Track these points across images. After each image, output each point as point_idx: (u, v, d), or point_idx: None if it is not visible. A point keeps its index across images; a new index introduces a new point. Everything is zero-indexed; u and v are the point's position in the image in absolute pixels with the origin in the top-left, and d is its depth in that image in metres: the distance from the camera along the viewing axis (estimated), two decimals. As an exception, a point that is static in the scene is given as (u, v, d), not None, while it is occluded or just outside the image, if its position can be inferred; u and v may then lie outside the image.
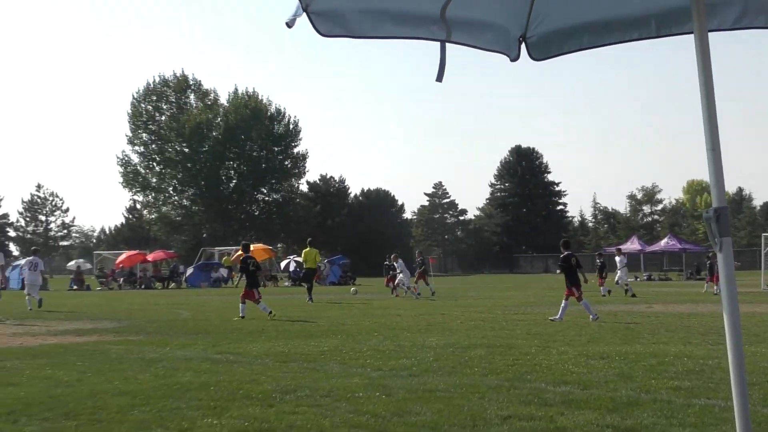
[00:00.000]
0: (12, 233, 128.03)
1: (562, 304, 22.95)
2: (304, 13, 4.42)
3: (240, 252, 43.52)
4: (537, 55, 5.14)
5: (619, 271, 40.34)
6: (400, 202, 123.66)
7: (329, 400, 9.74)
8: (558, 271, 23.56)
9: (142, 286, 56.70)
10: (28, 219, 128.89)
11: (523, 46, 5.11)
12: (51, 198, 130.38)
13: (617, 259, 40.82)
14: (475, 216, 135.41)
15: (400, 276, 38.84)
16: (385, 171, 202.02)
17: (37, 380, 11.41)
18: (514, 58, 5.11)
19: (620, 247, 43.57)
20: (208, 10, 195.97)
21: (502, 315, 24.90)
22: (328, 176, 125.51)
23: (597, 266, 39.87)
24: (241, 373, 12.07)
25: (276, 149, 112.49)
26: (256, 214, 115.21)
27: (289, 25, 4.49)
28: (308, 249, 34.38)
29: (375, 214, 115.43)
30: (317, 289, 42.19)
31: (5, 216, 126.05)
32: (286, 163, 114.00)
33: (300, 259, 70.10)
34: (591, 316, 22.28)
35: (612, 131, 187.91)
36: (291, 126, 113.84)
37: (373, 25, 4.66)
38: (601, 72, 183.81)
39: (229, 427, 8.31)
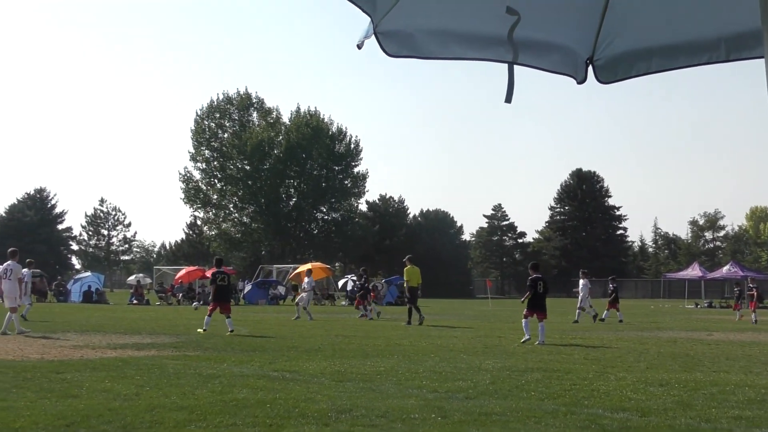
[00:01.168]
0: (75, 247, 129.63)
1: (524, 323, 23.39)
2: (373, 35, 4.43)
3: (300, 269, 43.57)
4: (604, 78, 5.07)
5: (580, 294, 39.78)
6: (458, 224, 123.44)
7: (385, 420, 9.71)
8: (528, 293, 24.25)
9: (201, 302, 57.03)
10: (90, 233, 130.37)
11: (590, 68, 5.07)
12: (113, 212, 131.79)
13: (581, 282, 40.02)
14: (533, 239, 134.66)
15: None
16: (444, 192, 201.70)
17: (96, 393, 11.51)
18: (581, 80, 5.05)
19: (585, 270, 42.63)
20: (273, 29, 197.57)
21: (559, 339, 24.71)
22: (387, 196, 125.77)
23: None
24: (297, 391, 12.07)
25: (336, 168, 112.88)
26: (315, 232, 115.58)
27: (359, 46, 4.51)
28: (410, 267, 32.43)
29: (433, 235, 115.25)
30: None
31: (68, 229, 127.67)
32: (346, 182, 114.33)
33: (355, 278, 70.50)
34: (527, 338, 22.77)
35: (674, 155, 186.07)
36: (352, 145, 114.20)
37: (440, 46, 4.66)
38: (665, 95, 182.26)
39: (284, 445, 8.32)
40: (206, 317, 26.15)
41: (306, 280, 38.92)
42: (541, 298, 23.52)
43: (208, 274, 64.40)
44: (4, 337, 22.36)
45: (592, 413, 10.50)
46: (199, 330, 25.66)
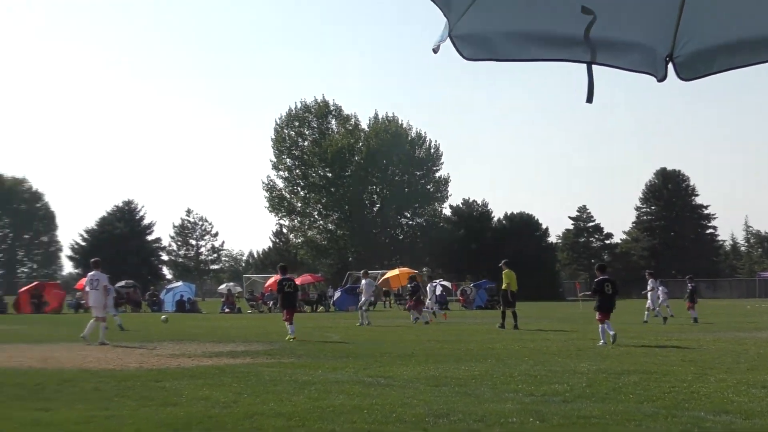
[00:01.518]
0: (165, 257, 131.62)
1: (600, 328, 23.03)
2: (449, 38, 4.43)
3: (388, 275, 43.53)
4: (685, 75, 4.97)
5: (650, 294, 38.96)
6: (544, 226, 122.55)
7: (483, 425, 9.69)
8: (587, 293, 24.22)
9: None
10: (179, 243, 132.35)
11: (670, 65, 4.99)
12: (200, 222, 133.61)
13: (649, 283, 39.17)
14: (621, 240, 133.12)
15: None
16: (528, 194, 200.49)
17: (195, 401, 11.66)
18: (661, 78, 4.97)
19: (651, 270, 41.86)
20: (349, 36, 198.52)
21: (654, 340, 24.40)
22: (470, 200, 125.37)
23: None
24: (392, 396, 12.09)
25: (418, 173, 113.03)
26: (401, 238, 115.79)
27: (435, 50, 4.51)
28: (509, 270, 31.78)
29: (519, 238, 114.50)
30: (464, 313, 41.86)
31: (158, 240, 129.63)
32: (429, 187, 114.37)
33: (447, 283, 70.49)
34: (604, 340, 22.56)
35: (762, 151, 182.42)
36: (432, 150, 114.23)
37: (518, 48, 4.63)
38: (750, 90, 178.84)
39: (383, 450, 8.33)
40: (288, 326, 26.39)
41: (363, 282, 38.74)
42: (611, 300, 23.45)
43: (297, 281, 65.19)
44: (101, 347, 22.75)
45: (693, 416, 10.34)
46: (288, 338, 25.86)
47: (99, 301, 24.76)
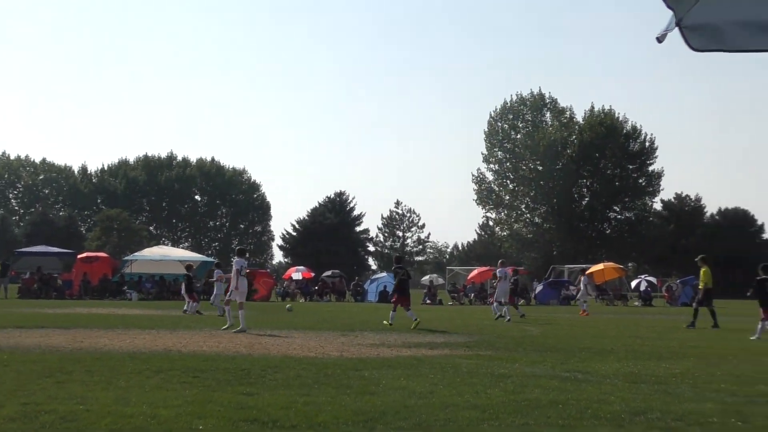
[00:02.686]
0: (371, 248, 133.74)
1: (759, 326, 24.27)
2: (677, 28, 4.36)
3: (593, 269, 42.82)
4: None
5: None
6: (759, 222, 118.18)
7: (681, 424, 9.49)
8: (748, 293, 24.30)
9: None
10: (386, 234, 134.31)
11: None
12: (408, 214, 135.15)
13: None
14: None
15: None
16: (743, 189, 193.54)
17: (392, 390, 11.83)
18: None
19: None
20: (569, 28, 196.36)
21: None
22: (683, 194, 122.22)
23: None
24: (589, 392, 11.98)
25: (630, 167, 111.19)
26: (608, 232, 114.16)
27: (660, 40, 4.45)
28: (707, 268, 30.89)
29: (732, 233, 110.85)
30: (668, 309, 40.95)
31: (366, 231, 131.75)
32: (641, 181, 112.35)
33: (652, 279, 69.01)
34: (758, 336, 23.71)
35: None
36: (647, 143, 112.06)
37: (750, 38, 4.50)
38: None
39: (580, 445, 8.29)
40: (391, 312, 28.12)
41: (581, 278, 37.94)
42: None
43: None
44: (305, 335, 23.33)
45: None
46: (384, 322, 27.59)
47: (243, 287, 25.59)
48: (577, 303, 43.94)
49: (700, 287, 31.51)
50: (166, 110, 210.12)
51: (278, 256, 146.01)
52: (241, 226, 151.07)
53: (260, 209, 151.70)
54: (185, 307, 36.04)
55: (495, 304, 35.07)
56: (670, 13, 4.35)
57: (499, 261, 37.40)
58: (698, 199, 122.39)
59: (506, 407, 10.42)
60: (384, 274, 68.72)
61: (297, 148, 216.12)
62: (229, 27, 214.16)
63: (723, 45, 4.45)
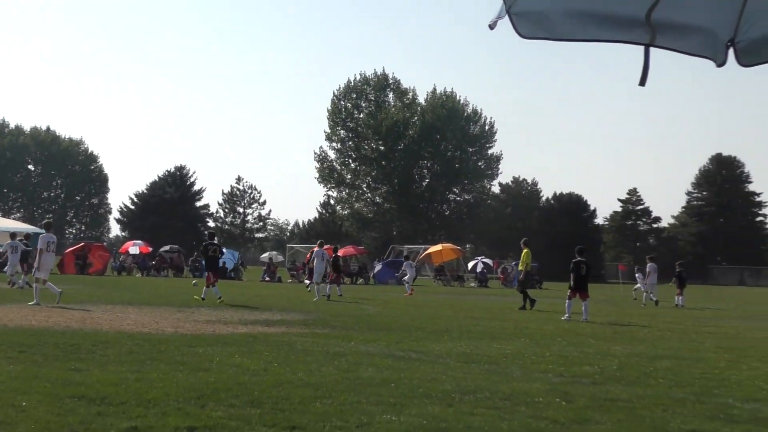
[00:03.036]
0: (211, 224, 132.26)
1: (583, 306, 25.59)
2: (507, 15, 4.39)
3: (431, 250, 43.59)
4: (746, 60, 4.87)
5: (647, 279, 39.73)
6: (592, 207, 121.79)
7: (509, 403, 9.69)
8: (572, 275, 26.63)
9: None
10: (227, 210, 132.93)
11: (730, 51, 4.90)
12: (249, 191, 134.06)
13: (648, 266, 39.90)
14: (669, 224, 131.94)
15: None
16: (578, 175, 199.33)
17: (226, 367, 11.77)
18: (721, 63, 4.88)
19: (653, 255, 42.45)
20: (410, 10, 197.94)
21: (692, 327, 24.26)
22: (520, 178, 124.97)
23: None
24: (422, 371, 12.14)
25: (470, 150, 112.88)
26: (447, 213, 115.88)
27: (492, 27, 4.48)
28: (528, 250, 31.17)
29: (566, 218, 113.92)
30: (504, 291, 42.02)
31: (206, 207, 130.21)
32: (480, 164, 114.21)
33: (489, 261, 70.37)
34: (583, 317, 25.06)
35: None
36: (486, 127, 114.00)
37: (577, 28, 4.57)
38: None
39: (407, 424, 8.36)
40: (204, 288, 28.58)
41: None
42: (584, 280, 26.43)
43: (340, 253, 65.33)
44: (140, 310, 22.98)
45: (722, 403, 10.30)
46: (195, 297, 28.21)
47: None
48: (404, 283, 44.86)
49: (520, 268, 32.31)
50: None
51: (115, 230, 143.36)
52: (77, 198, 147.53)
53: (97, 181, 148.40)
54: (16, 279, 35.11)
55: (311, 283, 35.74)
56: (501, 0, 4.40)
57: (318, 242, 38.92)
58: (535, 184, 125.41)
59: (339, 385, 10.48)
60: (224, 250, 68.21)
61: (137, 120, 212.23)
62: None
63: (550, 33, 4.52)
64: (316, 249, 36.64)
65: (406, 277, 45.06)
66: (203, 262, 30.22)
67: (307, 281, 35.07)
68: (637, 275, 44.95)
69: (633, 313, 31.13)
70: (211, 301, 27.67)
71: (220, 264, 60.15)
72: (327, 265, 35.48)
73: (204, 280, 29.59)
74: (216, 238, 29.87)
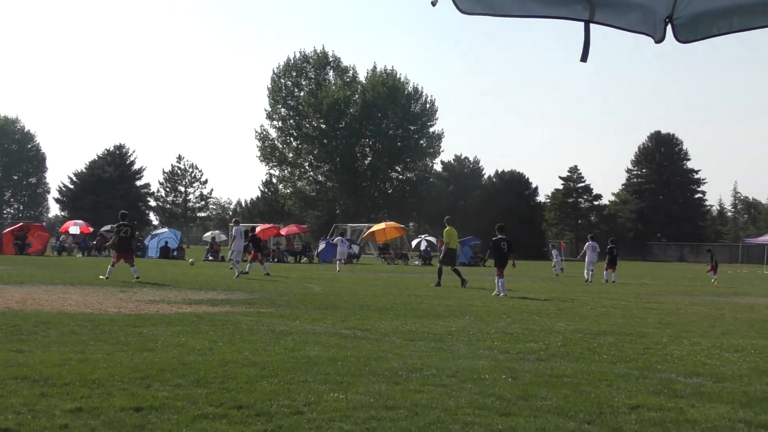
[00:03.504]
0: (152, 203, 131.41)
1: (498, 282, 26.22)
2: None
3: (374, 228, 43.63)
4: (684, 37, 4.91)
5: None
6: (534, 185, 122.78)
7: (455, 380, 9.72)
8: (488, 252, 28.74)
9: (275, 260, 57.47)
10: (168, 189, 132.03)
11: (668, 27, 4.93)
12: (190, 170, 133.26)
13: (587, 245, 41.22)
14: (609, 201, 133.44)
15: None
16: (519, 153, 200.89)
17: (170, 347, 11.68)
18: (659, 39, 4.91)
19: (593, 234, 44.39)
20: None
21: (633, 303, 24.51)
22: (462, 157, 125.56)
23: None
24: (368, 349, 12.14)
25: (412, 128, 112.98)
26: (390, 192, 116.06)
27: (434, 3, 4.45)
28: (450, 228, 31.90)
29: (508, 196, 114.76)
30: (447, 269, 41.98)
31: (146, 186, 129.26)
32: (422, 142, 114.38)
33: (432, 239, 70.54)
34: (500, 293, 25.64)
35: (756, 118, 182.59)
36: (428, 105, 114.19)
37: (516, 4, 4.56)
38: (746, 56, 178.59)
39: (354, 402, 8.35)
40: (109, 267, 28.73)
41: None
42: (505, 257, 26.85)
43: (283, 232, 65.39)
44: (82, 290, 22.77)
45: (664, 378, 10.41)
46: (101, 277, 28.04)
47: None
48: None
49: (442, 247, 32.98)
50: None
51: (54, 210, 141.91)
52: (14, 177, 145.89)
53: (35, 160, 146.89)
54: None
55: (233, 261, 35.66)
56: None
57: (234, 219, 39.65)
58: (477, 162, 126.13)
59: (285, 364, 10.44)
60: (166, 229, 67.71)
61: (74, 98, 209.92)
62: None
63: (491, 9, 4.50)
64: (234, 227, 37.03)
65: (337, 253, 46.22)
66: (115, 242, 30.29)
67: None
68: (552, 251, 47.58)
69: (576, 290, 31.40)
70: (156, 279, 27.47)
71: (163, 243, 60.18)
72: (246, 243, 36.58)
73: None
74: (127, 218, 29.84)
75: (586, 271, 39.38)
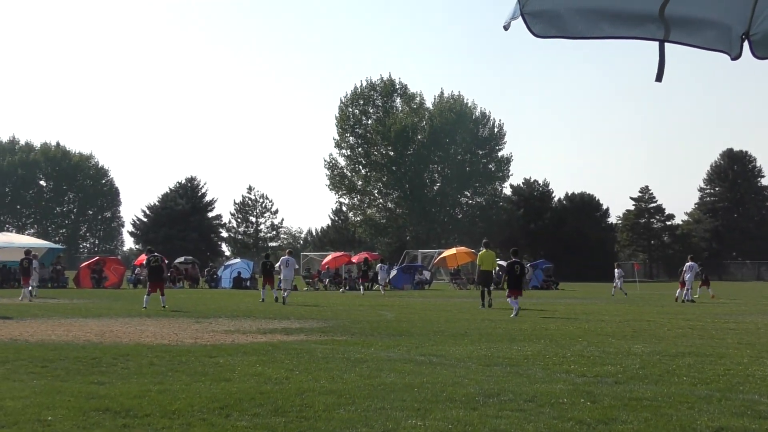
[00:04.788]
0: (224, 234, 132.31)
1: (511, 302, 27.83)
2: (521, 15, 4.38)
3: (445, 254, 43.90)
4: (761, 53, 4.82)
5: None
6: (605, 206, 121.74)
7: (533, 405, 9.66)
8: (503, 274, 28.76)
9: (347, 288, 57.58)
10: (239, 220, 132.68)
11: (745, 44, 4.87)
12: (261, 200, 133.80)
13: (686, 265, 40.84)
14: (682, 221, 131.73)
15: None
16: (590, 174, 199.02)
17: (248, 377, 11.75)
18: (736, 56, 4.86)
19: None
20: (415, 14, 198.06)
21: (711, 323, 24.16)
22: (532, 180, 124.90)
23: None
24: (444, 375, 12.11)
25: (480, 153, 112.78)
26: (459, 217, 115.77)
27: (506, 27, 4.47)
28: (485, 251, 33.50)
29: (579, 218, 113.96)
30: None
31: (218, 217, 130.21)
32: (490, 166, 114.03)
33: (503, 262, 70.15)
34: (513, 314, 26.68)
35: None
36: (495, 129, 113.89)
37: (590, 26, 4.56)
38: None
39: (432, 428, 8.35)
40: (145, 297, 29.94)
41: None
42: (518, 279, 28.77)
43: (354, 259, 65.50)
44: (158, 322, 23.03)
45: (747, 399, 10.25)
46: (143, 309, 28.75)
47: None
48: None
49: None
50: (6, 94, 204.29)
51: (129, 243, 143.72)
52: (90, 212, 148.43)
53: (109, 195, 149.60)
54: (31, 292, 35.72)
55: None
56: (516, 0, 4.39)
57: (287, 251, 43.03)
58: (546, 184, 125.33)
59: (362, 392, 10.46)
60: (238, 260, 68.24)
61: (146, 133, 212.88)
62: (74, 5, 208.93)
63: (564, 32, 4.50)
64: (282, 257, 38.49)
65: (378, 279, 48.32)
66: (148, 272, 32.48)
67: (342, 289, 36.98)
68: (615, 271, 47.80)
69: (652, 311, 31.04)
70: (231, 310, 27.71)
71: (236, 274, 60.67)
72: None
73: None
74: (155, 252, 32.18)
75: (687, 290, 39.30)
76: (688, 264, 39.57)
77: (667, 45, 4.68)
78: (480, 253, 33.70)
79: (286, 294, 35.38)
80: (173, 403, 9.46)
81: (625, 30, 4.62)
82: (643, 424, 8.65)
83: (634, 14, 4.60)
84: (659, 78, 4.68)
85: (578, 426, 8.52)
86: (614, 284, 48.66)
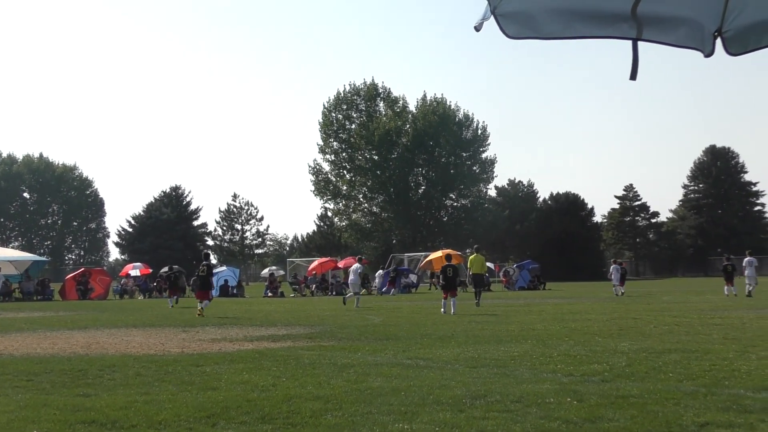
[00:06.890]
0: (210, 242, 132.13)
1: (443, 302, 30.28)
2: (492, 16, 4.39)
3: (431, 257, 44.14)
4: (734, 49, 4.86)
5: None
6: (589, 206, 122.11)
7: (520, 405, 9.67)
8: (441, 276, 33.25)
9: (334, 293, 57.55)
10: (224, 228, 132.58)
11: (718, 41, 4.90)
12: (246, 207, 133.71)
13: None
14: (667, 218, 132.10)
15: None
16: (574, 174, 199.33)
17: (234, 385, 11.73)
18: (708, 54, 4.89)
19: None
20: (396, 18, 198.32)
21: (697, 319, 24.24)
22: (516, 181, 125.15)
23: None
24: (431, 378, 12.11)
25: (464, 155, 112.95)
26: (445, 219, 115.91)
27: (477, 28, 4.48)
28: (474, 255, 35.73)
29: (564, 218, 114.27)
30: (507, 294, 41.90)
31: (204, 225, 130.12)
32: (475, 168, 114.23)
33: (490, 264, 70.28)
34: (452, 311, 29.23)
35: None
36: (479, 131, 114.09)
37: (563, 26, 4.58)
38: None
39: (419, 431, 8.34)
40: (199, 303, 31.11)
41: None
42: (452, 281, 30.73)
43: (341, 264, 65.48)
44: (145, 332, 22.99)
45: (733, 394, 10.28)
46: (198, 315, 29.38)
47: None
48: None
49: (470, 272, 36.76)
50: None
51: (114, 254, 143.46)
52: (75, 223, 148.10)
53: (93, 206, 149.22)
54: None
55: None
56: (486, 1, 4.40)
57: (358, 258, 43.05)
58: (531, 185, 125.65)
59: (349, 396, 10.46)
60: (224, 268, 68.12)
61: (130, 142, 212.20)
62: (56, 15, 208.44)
63: (538, 33, 4.52)
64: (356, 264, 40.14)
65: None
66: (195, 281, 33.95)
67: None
68: (612, 268, 47.83)
69: (638, 309, 31.10)
70: (217, 319, 27.68)
71: (222, 282, 60.55)
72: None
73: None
74: (208, 258, 33.61)
75: (750, 286, 40.35)
76: (747, 259, 40.07)
77: (641, 44, 4.70)
78: (470, 257, 35.88)
79: (350, 296, 37.76)
80: (159, 414, 9.44)
81: (598, 30, 4.64)
82: (629, 421, 8.67)
83: (607, 14, 4.62)
84: (633, 77, 4.71)
85: (565, 425, 8.53)
86: (613, 283, 48.24)
